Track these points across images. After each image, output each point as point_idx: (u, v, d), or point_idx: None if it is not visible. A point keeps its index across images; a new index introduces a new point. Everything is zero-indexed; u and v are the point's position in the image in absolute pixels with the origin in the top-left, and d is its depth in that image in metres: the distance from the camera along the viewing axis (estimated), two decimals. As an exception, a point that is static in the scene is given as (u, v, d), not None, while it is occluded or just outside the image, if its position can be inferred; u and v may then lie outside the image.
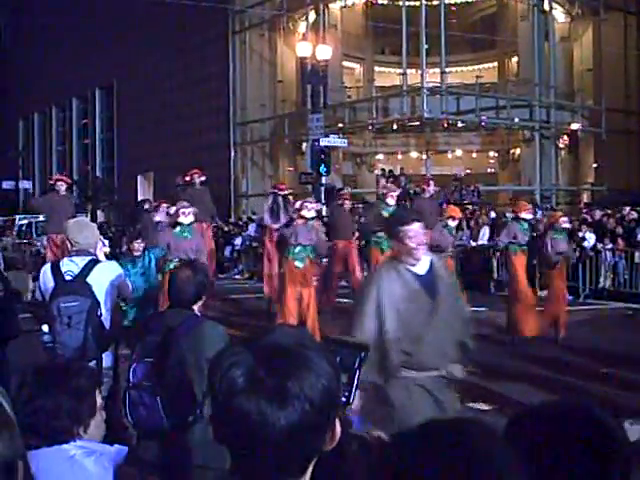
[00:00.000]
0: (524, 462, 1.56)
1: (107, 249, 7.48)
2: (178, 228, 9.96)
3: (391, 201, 12.07)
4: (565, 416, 1.66)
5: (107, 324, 4.90)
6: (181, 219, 9.97)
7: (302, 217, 10.69)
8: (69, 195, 14.06)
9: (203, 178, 14.48)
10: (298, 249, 10.57)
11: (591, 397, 7.17)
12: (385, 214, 11.09)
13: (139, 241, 9.04)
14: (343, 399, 1.94)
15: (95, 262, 5.01)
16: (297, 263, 10.57)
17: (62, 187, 13.58)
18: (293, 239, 10.56)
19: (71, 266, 4.97)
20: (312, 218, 10.89)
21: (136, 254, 8.97)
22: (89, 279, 4.87)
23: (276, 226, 13.24)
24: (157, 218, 12.17)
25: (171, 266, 9.13)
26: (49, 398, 2.62)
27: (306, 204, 10.94)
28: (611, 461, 1.59)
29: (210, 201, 14.47)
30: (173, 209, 10.27)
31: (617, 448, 1.61)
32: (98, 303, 4.82)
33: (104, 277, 4.96)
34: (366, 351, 2.04)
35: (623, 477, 1.59)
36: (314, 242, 10.81)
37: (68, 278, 4.90)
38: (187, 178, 14.66)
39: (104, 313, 4.88)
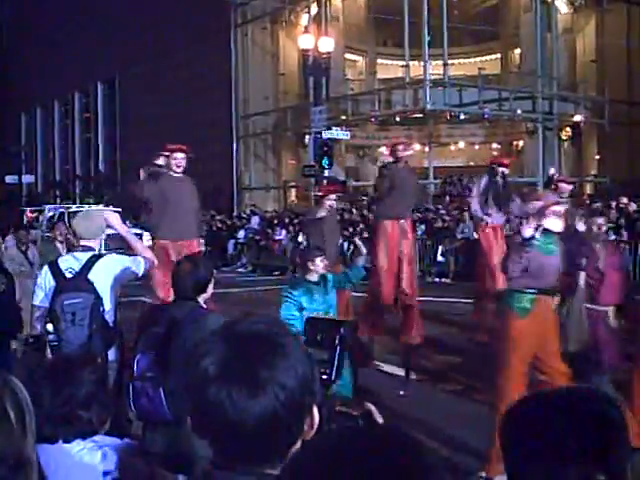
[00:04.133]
0: (525, 448, 1.58)
1: (149, 242, 7.21)
2: (540, 237, 5.61)
3: None
4: (566, 401, 1.67)
5: (111, 320, 4.89)
6: (549, 222, 5.69)
7: None
8: (185, 178, 8.49)
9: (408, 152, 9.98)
10: None
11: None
12: None
13: (322, 258, 6.14)
14: (324, 376, 1.95)
15: (97, 257, 4.94)
16: None
17: (181, 163, 8.19)
18: None
19: (72, 263, 4.91)
20: None
21: (312, 279, 6.09)
22: (90, 275, 4.81)
23: (490, 219, 9.86)
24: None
25: (527, 303, 5.55)
26: (78, 388, 2.63)
27: None
28: (612, 445, 1.61)
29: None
30: (536, 204, 5.78)
31: (618, 433, 1.62)
32: (101, 299, 4.78)
33: (106, 272, 4.89)
34: (345, 327, 2.00)
35: (621, 461, 1.61)
36: None
37: (69, 276, 4.84)
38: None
39: (107, 309, 4.86)
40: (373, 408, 1.70)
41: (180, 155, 8.21)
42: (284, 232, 23.53)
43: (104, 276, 4.84)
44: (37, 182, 49.06)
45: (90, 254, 4.93)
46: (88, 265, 4.84)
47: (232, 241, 25.14)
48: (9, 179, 43.50)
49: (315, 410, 1.36)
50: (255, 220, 26.48)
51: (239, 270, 23.55)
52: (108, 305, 4.84)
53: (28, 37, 49.40)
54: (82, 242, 5.06)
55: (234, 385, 1.26)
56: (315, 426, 1.37)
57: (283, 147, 33.71)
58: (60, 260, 5.05)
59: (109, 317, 4.84)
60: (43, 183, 49.88)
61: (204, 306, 4.14)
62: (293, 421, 1.31)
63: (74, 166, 48.04)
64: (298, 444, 1.37)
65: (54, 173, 50.18)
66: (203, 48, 33.43)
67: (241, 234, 25.35)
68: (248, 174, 33.61)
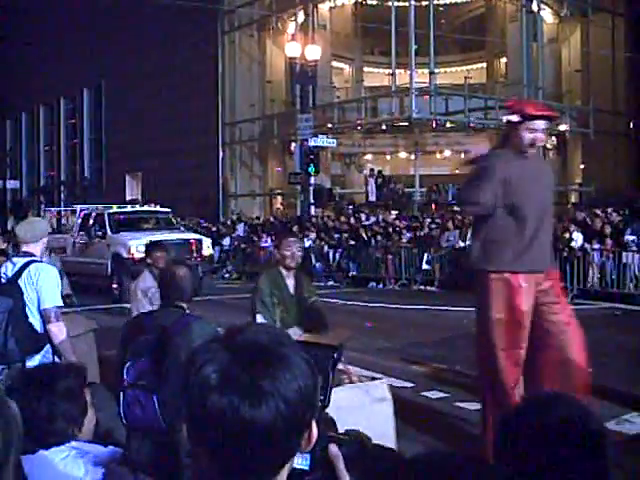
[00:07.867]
0: (515, 458, 1.60)
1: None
2: None
3: None
4: (548, 410, 1.69)
5: (39, 326, 4.88)
6: None
7: None
8: (540, 162, 5.74)
9: None
10: None
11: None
12: None
13: None
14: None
15: (30, 263, 4.97)
16: None
17: (540, 137, 4.87)
18: None
19: (9, 268, 4.99)
20: None
21: None
22: (20, 280, 4.87)
23: None
24: None
25: None
26: (41, 403, 2.60)
27: None
28: (594, 451, 1.63)
29: None
30: None
31: (599, 439, 1.65)
32: (24, 304, 4.81)
33: (36, 278, 4.91)
34: (339, 351, 1.99)
35: (603, 465, 1.63)
36: None
37: (3, 282, 4.94)
38: None
39: (34, 315, 4.86)
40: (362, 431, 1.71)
41: (542, 124, 4.84)
42: (269, 239, 23.50)
43: (29, 283, 4.89)
44: (22, 188, 48.80)
45: (26, 259, 4.95)
46: (19, 270, 4.91)
47: (217, 248, 25.08)
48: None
49: (314, 425, 1.35)
50: (241, 228, 26.46)
51: (224, 277, 23.50)
52: (35, 311, 4.85)
53: (13, 43, 49.21)
54: (24, 247, 5.11)
55: (235, 395, 1.24)
56: (313, 441, 1.35)
57: (269, 154, 33.71)
58: (3, 266, 5.14)
59: (37, 323, 4.85)
60: (27, 189, 49.64)
61: (189, 312, 4.13)
62: (292, 435, 1.29)
63: (59, 172, 47.86)
64: (295, 459, 1.37)
65: (39, 178, 49.95)
66: (190, 55, 33.40)
67: (226, 241, 25.31)
68: (234, 181, 33.59)
